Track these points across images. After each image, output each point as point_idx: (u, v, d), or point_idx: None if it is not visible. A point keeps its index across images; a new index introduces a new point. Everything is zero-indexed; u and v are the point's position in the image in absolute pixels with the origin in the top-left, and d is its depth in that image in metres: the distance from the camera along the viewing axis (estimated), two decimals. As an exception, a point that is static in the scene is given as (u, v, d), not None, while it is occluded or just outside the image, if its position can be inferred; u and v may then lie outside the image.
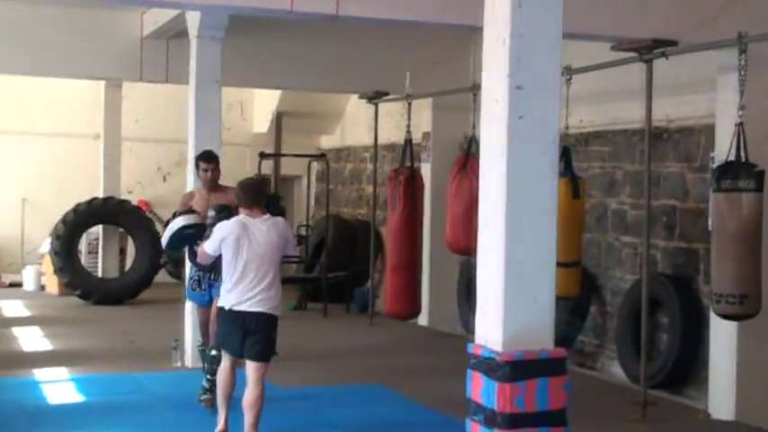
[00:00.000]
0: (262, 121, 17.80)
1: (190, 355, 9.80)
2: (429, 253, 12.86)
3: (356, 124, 16.62)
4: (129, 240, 15.77)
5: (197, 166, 8.55)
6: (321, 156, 15.98)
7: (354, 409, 8.55)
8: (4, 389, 8.99)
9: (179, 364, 9.60)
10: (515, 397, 4.93)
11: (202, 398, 8.18)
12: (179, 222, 8.03)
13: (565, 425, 5.10)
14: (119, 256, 16.13)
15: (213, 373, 7.90)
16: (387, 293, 11.62)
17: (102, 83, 15.94)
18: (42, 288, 16.22)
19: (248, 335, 6.95)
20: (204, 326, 8.49)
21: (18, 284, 16.51)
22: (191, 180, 10.16)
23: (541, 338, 5.16)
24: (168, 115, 17.14)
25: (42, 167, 17.03)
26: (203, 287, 8.37)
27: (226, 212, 7.45)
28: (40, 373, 9.63)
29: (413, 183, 11.41)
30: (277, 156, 16.24)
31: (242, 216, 7.03)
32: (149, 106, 17.35)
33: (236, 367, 7.24)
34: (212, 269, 8.11)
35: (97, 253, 16.19)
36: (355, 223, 15.80)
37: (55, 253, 14.96)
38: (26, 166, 16.92)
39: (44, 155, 17.05)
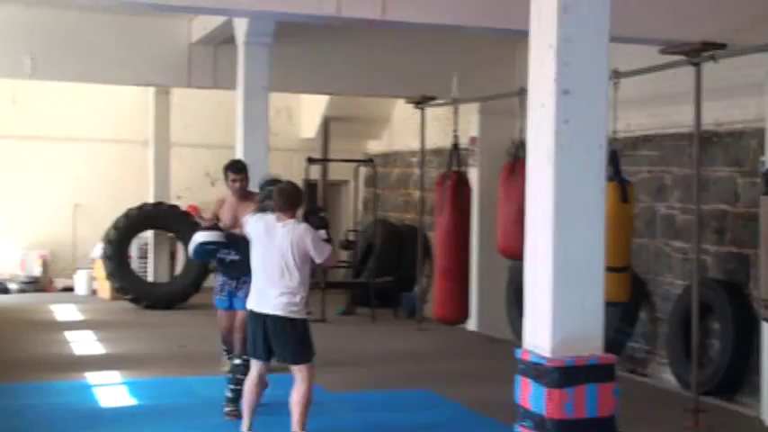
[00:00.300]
0: (309, 127, 17.86)
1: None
2: (477, 257, 12.85)
3: (403, 129, 16.62)
4: (179, 245, 15.89)
5: (225, 175, 8.65)
6: (368, 160, 16.00)
7: (402, 413, 8.54)
8: (58, 392, 9.10)
9: (226, 369, 9.64)
10: (564, 403, 4.92)
11: (227, 410, 8.09)
12: (198, 239, 8.30)
13: (614, 431, 5.08)
14: (169, 261, 16.27)
15: (237, 383, 7.91)
16: (435, 298, 11.63)
17: (152, 89, 16.09)
18: (94, 292, 16.38)
19: (272, 339, 7.05)
20: (224, 331, 8.69)
21: (70, 289, 16.69)
22: (239, 186, 10.23)
23: (590, 344, 5.14)
24: (216, 121, 17.26)
25: (94, 173, 17.22)
26: (224, 293, 8.55)
27: (271, 185, 7.43)
28: (92, 377, 9.72)
29: (460, 187, 11.41)
30: (324, 161, 16.29)
31: (271, 216, 7.13)
32: (198, 112, 17.49)
33: (264, 376, 7.30)
34: (237, 277, 8.35)
35: (147, 258, 16.35)
36: (403, 228, 15.80)
37: (106, 258, 15.11)
38: (78, 172, 17.12)
39: (96, 161, 17.25)
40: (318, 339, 12.47)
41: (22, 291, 16.42)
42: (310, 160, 15.13)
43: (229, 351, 8.72)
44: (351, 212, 16.76)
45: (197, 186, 17.64)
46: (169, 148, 16.49)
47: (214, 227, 8.40)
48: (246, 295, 7.64)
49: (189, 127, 17.45)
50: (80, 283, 16.60)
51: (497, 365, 9.35)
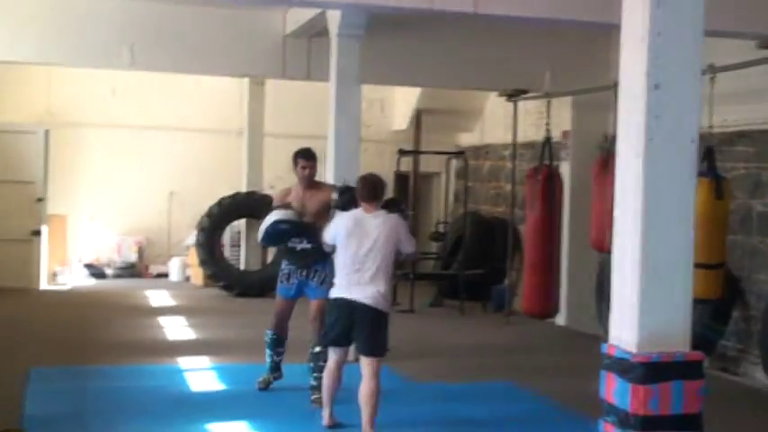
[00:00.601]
0: (401, 119, 17.92)
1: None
2: (568, 251, 12.77)
3: (495, 122, 16.58)
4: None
5: (295, 162, 8.67)
6: (460, 153, 16.00)
7: (487, 405, 8.56)
8: (151, 376, 9.32)
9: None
10: (649, 399, 4.89)
11: (313, 398, 8.23)
12: (273, 217, 8.28)
13: (700, 430, 5.03)
14: (260, 250, 16.47)
15: (320, 371, 8.01)
16: (525, 292, 11.60)
17: (246, 80, 16.30)
18: (187, 279, 16.68)
19: (355, 327, 7.10)
20: (279, 317, 8.70)
21: (165, 275, 17.02)
22: (330, 175, 10.34)
23: (677, 340, 5.10)
24: (309, 112, 17.39)
25: (189, 162, 17.53)
26: (291, 281, 8.56)
27: (348, 194, 7.60)
28: (183, 362, 9.93)
29: (552, 181, 11.36)
30: (416, 153, 16.33)
31: (357, 210, 7.24)
32: (291, 103, 17.66)
33: (342, 366, 7.35)
34: (308, 265, 8.38)
35: (240, 246, 16.58)
36: (493, 221, 15.77)
37: (199, 245, 15.37)
38: (174, 161, 17.43)
39: (191, 150, 17.55)
40: (406, 330, 12.67)
41: (117, 276, 16.80)
42: (402, 152, 15.18)
43: (277, 341, 8.76)
44: (441, 205, 16.78)
45: (289, 176, 17.67)
46: (262, 138, 16.68)
47: (287, 205, 8.41)
48: (321, 283, 7.98)
49: (282, 117, 17.63)
50: (174, 269, 16.91)
51: (584, 360, 9.31)
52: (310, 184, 8.59)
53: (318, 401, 8.00)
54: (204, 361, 9.97)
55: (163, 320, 12.52)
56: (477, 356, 11.00)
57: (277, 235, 8.40)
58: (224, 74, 14.78)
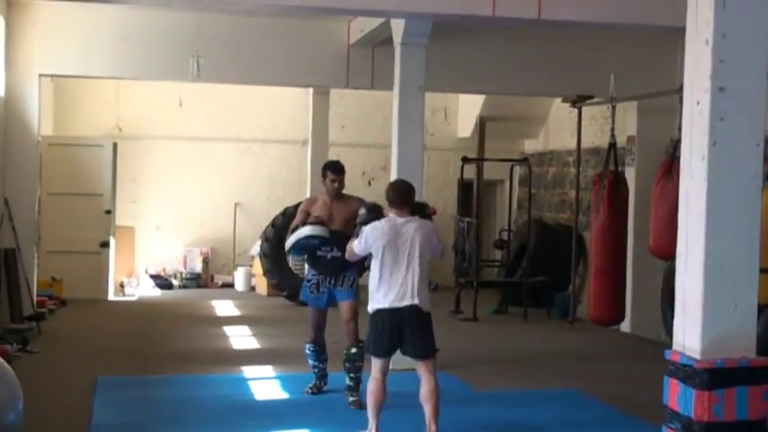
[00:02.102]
0: (465, 126, 17.89)
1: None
2: (633, 258, 12.64)
3: (560, 128, 16.49)
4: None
5: (324, 174, 8.80)
6: (524, 160, 15.93)
7: (551, 412, 8.50)
8: (216, 385, 9.38)
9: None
10: (713, 405, 4.83)
11: (351, 399, 8.41)
12: (306, 231, 8.46)
13: (766, 436, 4.95)
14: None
15: (357, 371, 8.43)
16: (590, 299, 11.49)
17: (311, 90, 16.41)
18: (252, 289, 16.80)
19: (405, 332, 7.21)
20: (316, 329, 8.86)
21: (230, 285, 17.16)
22: (393, 184, 10.34)
23: (742, 346, 5.03)
24: (373, 121, 17.49)
25: (254, 173, 17.68)
26: (321, 290, 8.68)
27: (376, 212, 7.69)
28: (248, 371, 9.99)
29: (617, 187, 11.23)
30: (480, 160, 16.29)
31: (391, 216, 7.37)
32: (355, 112, 17.76)
33: (387, 374, 7.40)
34: (336, 273, 8.53)
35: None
36: (557, 228, 15.67)
37: (264, 255, 15.47)
38: (239, 172, 17.59)
39: (256, 160, 17.70)
40: (469, 338, 12.64)
41: (183, 287, 16.98)
42: (465, 160, 15.15)
43: (319, 351, 8.93)
44: (505, 212, 16.69)
45: (354, 185, 17.69)
46: (327, 148, 16.74)
47: (321, 222, 8.55)
48: (351, 286, 8.25)
49: (347, 127, 17.74)
50: (239, 279, 17.04)
51: (648, 367, 9.21)
52: (337, 195, 8.74)
53: (356, 404, 8.25)
54: (268, 370, 10.03)
55: (228, 330, 12.62)
56: (542, 363, 10.93)
57: (305, 247, 8.64)
58: (288, 85, 14.89)
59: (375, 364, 7.40)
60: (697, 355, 4.93)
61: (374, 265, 7.30)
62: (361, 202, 8.45)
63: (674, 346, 5.15)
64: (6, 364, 6.42)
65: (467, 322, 13.98)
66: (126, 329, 12.76)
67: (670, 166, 10.21)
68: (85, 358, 10.63)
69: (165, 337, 12.10)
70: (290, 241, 8.62)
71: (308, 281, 8.81)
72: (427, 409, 7.21)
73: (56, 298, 14.17)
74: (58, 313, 13.61)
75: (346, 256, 7.79)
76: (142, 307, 14.93)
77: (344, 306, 8.61)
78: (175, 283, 17.00)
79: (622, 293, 11.61)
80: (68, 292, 14.64)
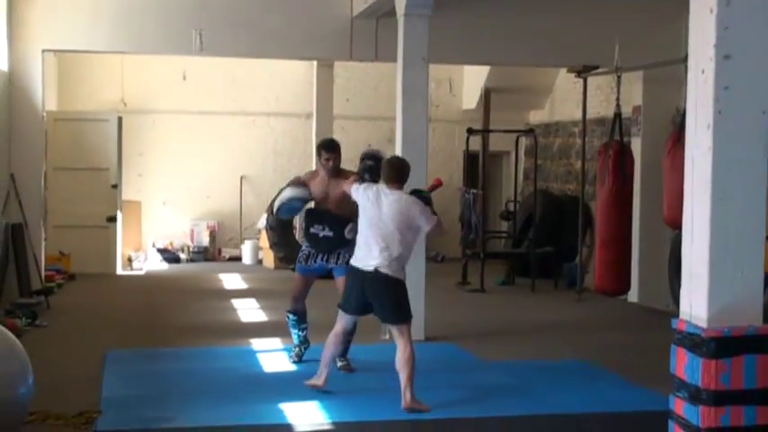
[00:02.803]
0: (470, 98, 17.85)
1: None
2: (639, 228, 12.66)
3: (565, 99, 16.46)
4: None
5: (319, 153, 8.98)
6: (529, 131, 15.91)
7: (559, 383, 8.53)
8: (225, 357, 9.43)
9: (387, 336, 9.78)
10: (721, 374, 4.84)
11: (339, 365, 8.68)
12: (287, 194, 8.82)
13: (773, 404, 4.97)
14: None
15: (294, 334, 9.04)
16: (596, 269, 11.52)
17: (315, 63, 16.37)
18: (260, 262, 16.84)
19: (370, 297, 7.55)
20: (297, 296, 9.15)
21: (237, 258, 17.21)
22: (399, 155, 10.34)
23: (749, 314, 5.04)
24: (378, 93, 17.46)
25: (260, 146, 17.67)
26: (310, 262, 8.94)
27: (375, 159, 8.31)
28: (256, 343, 10.03)
29: (623, 157, 11.22)
30: (485, 132, 16.27)
31: (380, 185, 7.72)
32: (360, 85, 17.73)
33: (347, 332, 7.98)
34: (329, 250, 8.79)
35: (311, 228, 16.63)
36: (564, 198, 15.67)
37: (270, 228, 15.41)
38: (244, 145, 17.59)
39: (261, 134, 17.69)
40: (477, 309, 12.68)
41: (191, 260, 17.03)
42: (470, 131, 15.12)
43: (299, 320, 9.18)
44: (511, 183, 16.71)
45: (360, 158, 17.84)
46: (332, 121, 16.77)
47: (299, 183, 8.85)
48: (346, 263, 8.30)
49: (351, 100, 17.72)
50: (246, 252, 17.08)
51: (656, 337, 9.24)
52: (335, 173, 8.86)
53: (346, 368, 8.72)
54: (276, 342, 10.07)
55: (236, 303, 12.66)
56: (549, 334, 10.97)
57: (293, 211, 9.00)
58: (292, 57, 14.86)
59: (340, 318, 7.86)
60: (704, 324, 4.94)
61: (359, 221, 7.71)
62: (348, 183, 8.47)
63: (681, 315, 5.16)
64: (16, 339, 6.45)
65: (474, 293, 14.01)
66: (134, 303, 12.81)
67: (679, 136, 10.20)
68: (94, 332, 10.69)
69: (174, 311, 12.15)
70: (275, 204, 8.95)
71: (302, 251, 9.06)
72: (402, 376, 7.43)
73: (64, 272, 14.23)
74: (66, 287, 13.67)
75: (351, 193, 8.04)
76: (150, 281, 14.98)
77: (341, 281, 8.64)
78: (183, 256, 17.04)
79: (628, 264, 11.63)
80: (76, 266, 14.70)
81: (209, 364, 9.13)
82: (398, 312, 7.58)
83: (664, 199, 10.17)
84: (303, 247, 9.06)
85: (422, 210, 7.60)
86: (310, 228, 8.86)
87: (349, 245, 8.40)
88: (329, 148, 8.94)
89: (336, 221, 8.69)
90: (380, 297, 7.56)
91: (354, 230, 8.02)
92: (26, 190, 12.52)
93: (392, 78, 11.01)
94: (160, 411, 7.37)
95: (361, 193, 7.74)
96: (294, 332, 9.20)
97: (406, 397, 7.41)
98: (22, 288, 12.14)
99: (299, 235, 15.61)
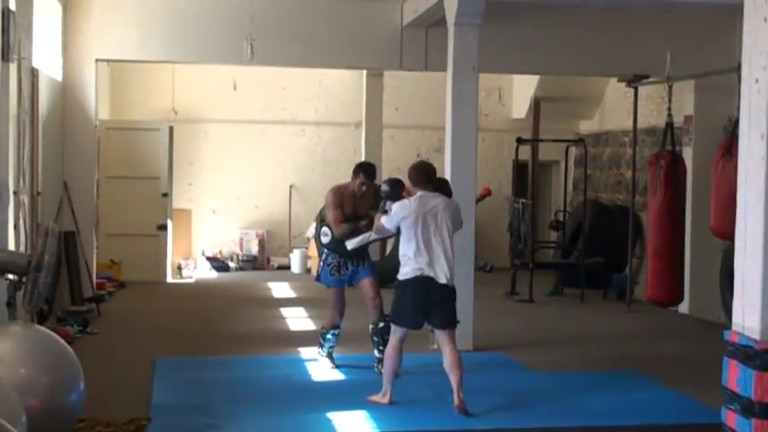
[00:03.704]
0: (520, 107, 17.79)
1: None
2: (691, 239, 12.53)
3: (615, 108, 16.35)
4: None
5: (356, 174, 9.09)
6: (579, 140, 15.82)
7: (608, 394, 8.47)
8: (274, 365, 9.46)
9: (435, 346, 9.75)
10: (774, 387, 4.77)
11: (380, 369, 8.69)
12: (350, 246, 8.95)
13: (827, 417, 4.88)
14: (379, 242, 16.52)
15: (385, 343, 8.49)
16: (648, 279, 11.42)
17: (364, 72, 16.41)
18: (308, 271, 16.87)
19: (433, 304, 7.68)
20: (339, 310, 9.28)
21: (286, 267, 17.26)
22: (447, 165, 10.34)
23: (803, 327, 4.96)
24: (427, 103, 17.45)
25: (309, 155, 17.73)
26: (343, 272, 9.12)
27: (398, 186, 8.30)
28: (305, 352, 10.04)
29: (674, 167, 11.13)
30: (534, 141, 16.20)
31: (419, 194, 7.79)
32: (409, 94, 17.73)
33: (403, 344, 7.96)
34: (356, 257, 9.04)
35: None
36: (614, 208, 15.55)
37: (318, 237, 15.48)
38: (294, 154, 17.66)
39: (309, 143, 17.75)
40: (525, 319, 12.63)
41: (240, 269, 17.11)
42: (520, 141, 15.07)
43: (334, 336, 9.34)
44: (560, 193, 16.62)
45: (408, 167, 17.83)
46: (381, 130, 16.79)
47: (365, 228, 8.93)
48: (372, 265, 9.01)
49: (401, 109, 17.73)
50: (295, 261, 17.13)
51: (707, 349, 9.16)
52: (363, 193, 9.10)
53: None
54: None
55: (284, 311, 12.71)
56: (598, 345, 10.89)
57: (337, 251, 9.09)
58: (341, 67, 14.89)
59: (396, 332, 7.94)
60: (757, 336, 4.88)
61: (404, 239, 7.75)
62: (373, 195, 8.97)
63: (734, 327, 5.10)
64: (67, 345, 6.52)
65: (523, 303, 13.95)
66: (184, 311, 12.90)
67: (729, 146, 10.09)
68: (144, 339, 10.77)
69: (223, 319, 12.21)
70: (358, 241, 8.98)
71: (329, 264, 9.15)
72: (454, 378, 7.64)
73: (115, 280, 14.36)
74: (117, 295, 13.79)
75: (375, 232, 8.42)
76: (199, 289, 15.08)
77: (369, 283, 9.10)
78: (232, 265, 17.13)
79: (680, 274, 11.53)
80: (127, 274, 14.83)
81: (258, 372, 9.16)
82: (455, 317, 7.86)
83: (711, 209, 10.08)
84: (330, 261, 9.15)
85: (459, 212, 8.00)
86: (369, 239, 8.98)
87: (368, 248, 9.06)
88: (370, 174, 9.09)
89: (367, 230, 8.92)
90: (446, 305, 7.74)
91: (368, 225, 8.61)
92: (78, 198, 12.66)
93: (442, 87, 11.00)
94: (209, 419, 7.42)
95: (400, 212, 7.76)
96: (331, 346, 9.38)
97: (460, 396, 7.59)
98: (74, 296, 12.26)
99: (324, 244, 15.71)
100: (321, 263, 9.29)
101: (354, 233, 8.93)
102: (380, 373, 8.48)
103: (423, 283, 7.66)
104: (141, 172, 15.35)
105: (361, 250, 9.10)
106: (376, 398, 7.96)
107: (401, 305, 7.83)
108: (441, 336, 7.84)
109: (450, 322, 7.80)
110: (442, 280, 7.65)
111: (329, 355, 9.37)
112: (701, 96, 13.01)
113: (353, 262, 9.11)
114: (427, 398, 8.20)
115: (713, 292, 12.41)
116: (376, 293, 9.11)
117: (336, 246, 9.07)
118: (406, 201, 7.86)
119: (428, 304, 7.70)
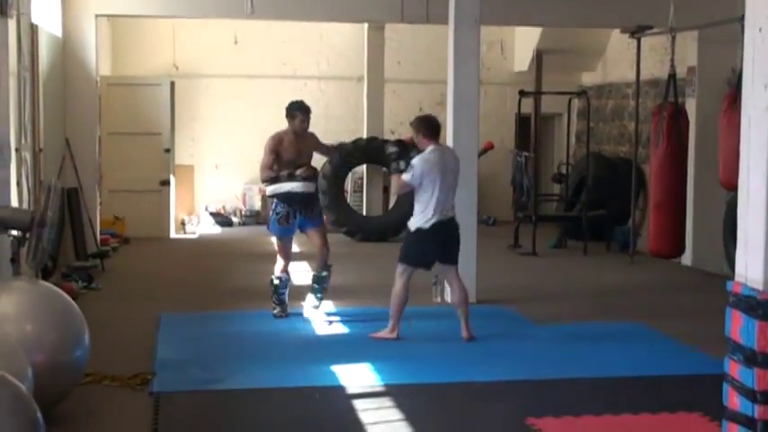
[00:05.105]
0: (522, 60, 17.70)
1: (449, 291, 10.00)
2: (694, 191, 12.51)
3: (618, 60, 16.26)
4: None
5: (293, 115, 9.41)
6: (582, 93, 15.75)
7: (611, 345, 8.51)
8: (276, 320, 9.48)
9: (439, 299, 9.79)
10: (776, 337, 4.77)
11: (276, 311, 9.42)
12: (298, 188, 9.24)
13: (831, 367, 4.89)
14: (382, 195, 16.57)
15: (324, 291, 9.61)
16: (650, 232, 11.42)
17: (365, 26, 16.30)
18: (312, 225, 16.87)
19: (448, 242, 8.42)
20: (286, 258, 9.59)
21: (289, 222, 17.24)
22: (450, 119, 10.31)
23: (806, 277, 4.95)
24: (429, 56, 17.35)
25: (311, 109, 17.63)
26: (291, 221, 9.37)
27: (403, 145, 8.94)
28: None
29: (677, 119, 11.09)
30: (537, 94, 16.13)
31: (434, 147, 8.39)
32: (411, 48, 17.64)
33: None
34: (306, 205, 9.29)
35: (362, 192, 16.70)
36: (617, 161, 15.53)
37: (322, 192, 15.50)
38: (295, 109, 17.58)
39: (311, 98, 17.58)
40: (529, 272, 12.66)
41: (243, 224, 17.12)
42: (522, 93, 15.02)
43: (285, 283, 9.56)
44: (563, 146, 16.58)
45: (408, 122, 17.80)
46: (383, 84, 16.73)
47: (313, 176, 9.39)
48: (320, 213, 9.61)
49: (402, 62, 17.64)
50: (298, 216, 17.11)
51: (710, 300, 9.15)
52: (303, 133, 9.42)
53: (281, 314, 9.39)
54: (327, 305, 10.10)
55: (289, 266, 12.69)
56: (602, 297, 10.92)
57: (289, 198, 9.30)
58: (343, 20, 14.82)
59: (407, 271, 8.50)
60: (759, 287, 4.87)
61: (424, 189, 8.27)
62: (314, 136, 9.52)
63: (737, 278, 5.09)
64: (72, 301, 6.54)
65: (526, 256, 13.97)
66: (187, 266, 12.94)
67: (735, 97, 10.04)
68: (148, 295, 10.81)
69: (226, 274, 12.24)
70: (276, 189, 9.31)
71: (277, 213, 9.38)
72: (462, 312, 8.50)
73: (118, 236, 14.40)
74: (120, 251, 13.83)
75: (397, 190, 8.83)
76: (203, 244, 15.11)
77: (318, 232, 9.52)
78: (235, 220, 17.15)
79: (682, 226, 11.52)
80: (131, 230, 14.87)
81: (261, 326, 9.20)
82: (458, 253, 8.61)
83: (720, 160, 10.04)
84: (278, 209, 9.37)
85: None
86: (289, 187, 9.22)
87: (316, 194, 9.51)
88: (307, 111, 9.44)
89: (312, 175, 9.38)
90: (455, 241, 8.53)
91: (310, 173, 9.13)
92: (81, 155, 12.66)
93: (444, 41, 10.93)
94: (213, 373, 7.46)
95: (424, 167, 8.28)
96: (282, 292, 9.56)
97: (468, 328, 8.43)
98: (78, 252, 12.30)
99: (349, 198, 15.71)
100: (270, 212, 9.54)
101: (290, 179, 9.20)
102: (309, 318, 9.30)
103: (442, 226, 8.33)
104: (143, 128, 15.32)
105: (309, 199, 9.35)
106: (382, 334, 8.47)
107: (420, 247, 8.43)
108: (450, 272, 8.58)
109: (455, 257, 8.56)
110: (451, 214, 8.42)
111: (281, 302, 9.52)
112: (704, 47, 12.92)
113: (301, 211, 9.34)
114: (432, 352, 8.23)
115: (716, 244, 12.42)
116: (324, 242, 9.56)
117: (284, 197, 9.29)
118: (425, 155, 8.36)
119: (445, 242, 8.40)
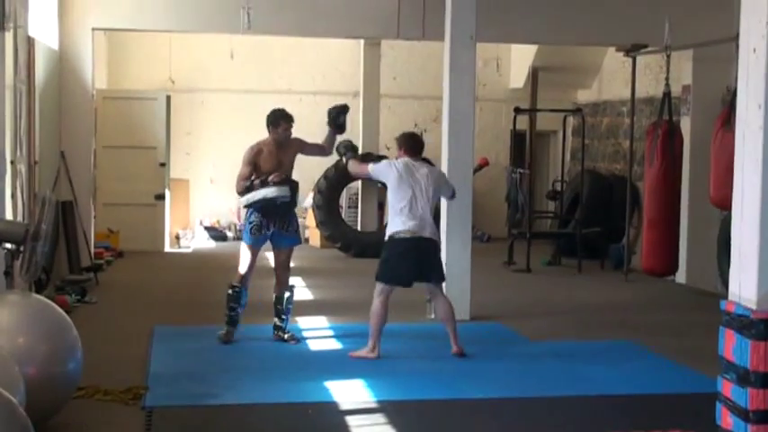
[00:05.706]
0: (518, 77, 17.75)
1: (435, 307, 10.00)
2: (688, 209, 12.54)
3: (613, 78, 16.31)
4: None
5: (276, 124, 9.18)
6: (577, 110, 15.79)
7: (605, 363, 8.49)
8: (270, 335, 9.44)
9: (432, 315, 9.80)
10: (769, 356, 4.79)
11: (286, 336, 9.05)
12: (272, 193, 8.87)
13: (823, 386, 4.91)
14: (377, 211, 16.57)
15: (288, 312, 9.13)
16: (644, 249, 11.45)
17: (362, 41, 16.34)
18: (306, 240, 16.85)
19: (425, 259, 8.33)
20: (249, 269, 9.14)
21: (284, 237, 17.23)
22: (445, 135, 10.32)
23: (799, 296, 4.97)
24: (425, 72, 17.39)
25: (306, 124, 17.58)
26: (264, 232, 9.02)
27: (353, 148, 9.25)
28: (302, 321, 10.06)
29: (672, 137, 11.14)
30: (532, 111, 16.17)
31: (406, 159, 8.45)
32: (407, 64, 17.68)
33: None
34: (282, 217, 8.97)
35: (357, 207, 16.70)
36: (611, 178, 15.56)
37: (317, 207, 15.53)
38: (292, 124, 17.59)
39: (307, 112, 17.63)
40: (523, 289, 12.65)
41: (238, 238, 17.05)
42: (517, 110, 15.04)
43: (244, 293, 9.13)
44: (558, 163, 16.61)
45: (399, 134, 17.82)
46: (378, 100, 16.76)
47: (286, 181, 8.99)
48: (295, 231, 9.14)
49: (398, 78, 17.68)
50: (293, 231, 17.10)
51: (703, 318, 9.18)
52: (284, 142, 9.18)
53: (293, 339, 9.04)
54: (322, 321, 10.10)
55: (282, 281, 12.69)
56: (596, 315, 10.91)
57: (266, 206, 8.95)
58: (339, 36, 14.82)
59: (384, 290, 8.42)
60: (753, 306, 4.90)
61: (393, 198, 8.38)
62: (299, 140, 9.31)
63: (730, 297, 5.11)
64: (65, 314, 6.53)
65: (520, 273, 13.97)
66: (182, 280, 12.92)
67: (728, 116, 10.08)
68: (142, 308, 10.79)
69: (221, 288, 12.10)
70: (250, 198, 8.95)
71: (251, 222, 9.05)
72: (450, 327, 8.47)
73: (113, 249, 14.37)
74: (115, 264, 13.80)
75: (354, 169, 8.99)
76: (197, 258, 15.10)
77: (287, 253, 9.15)
78: (230, 234, 17.13)
79: (676, 244, 11.54)
80: (125, 243, 14.85)
81: (255, 341, 9.18)
82: (442, 271, 8.58)
83: (711, 179, 10.08)
84: (252, 219, 9.03)
85: (447, 180, 8.83)
86: (263, 193, 8.88)
87: (294, 208, 9.16)
88: (289, 118, 9.25)
89: (291, 187, 9.00)
90: (434, 260, 8.46)
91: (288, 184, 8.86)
92: (76, 168, 12.65)
93: (439, 57, 10.97)
94: (207, 388, 7.44)
95: (386, 169, 8.49)
96: (233, 307, 9.07)
97: (457, 343, 8.40)
98: (72, 265, 12.28)
99: (344, 214, 15.71)
100: (245, 220, 9.25)
101: (263, 185, 8.91)
102: (291, 341, 8.98)
103: (417, 241, 8.26)
104: (138, 141, 15.33)
105: (285, 210, 9.02)
106: (362, 353, 8.37)
107: (393, 263, 8.37)
108: (435, 290, 8.60)
109: (441, 276, 8.56)
110: (427, 233, 8.30)
111: (231, 321, 9.06)
112: (699, 66, 12.97)
113: (276, 223, 9.01)
114: (425, 368, 8.22)
115: (710, 262, 12.44)
116: (287, 266, 9.20)
117: (263, 207, 8.98)
118: (393, 161, 8.60)
119: (420, 261, 8.31)
